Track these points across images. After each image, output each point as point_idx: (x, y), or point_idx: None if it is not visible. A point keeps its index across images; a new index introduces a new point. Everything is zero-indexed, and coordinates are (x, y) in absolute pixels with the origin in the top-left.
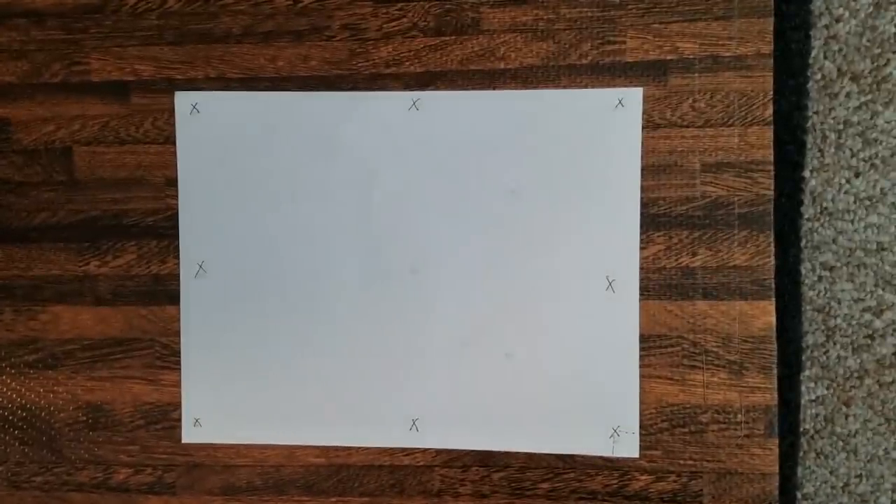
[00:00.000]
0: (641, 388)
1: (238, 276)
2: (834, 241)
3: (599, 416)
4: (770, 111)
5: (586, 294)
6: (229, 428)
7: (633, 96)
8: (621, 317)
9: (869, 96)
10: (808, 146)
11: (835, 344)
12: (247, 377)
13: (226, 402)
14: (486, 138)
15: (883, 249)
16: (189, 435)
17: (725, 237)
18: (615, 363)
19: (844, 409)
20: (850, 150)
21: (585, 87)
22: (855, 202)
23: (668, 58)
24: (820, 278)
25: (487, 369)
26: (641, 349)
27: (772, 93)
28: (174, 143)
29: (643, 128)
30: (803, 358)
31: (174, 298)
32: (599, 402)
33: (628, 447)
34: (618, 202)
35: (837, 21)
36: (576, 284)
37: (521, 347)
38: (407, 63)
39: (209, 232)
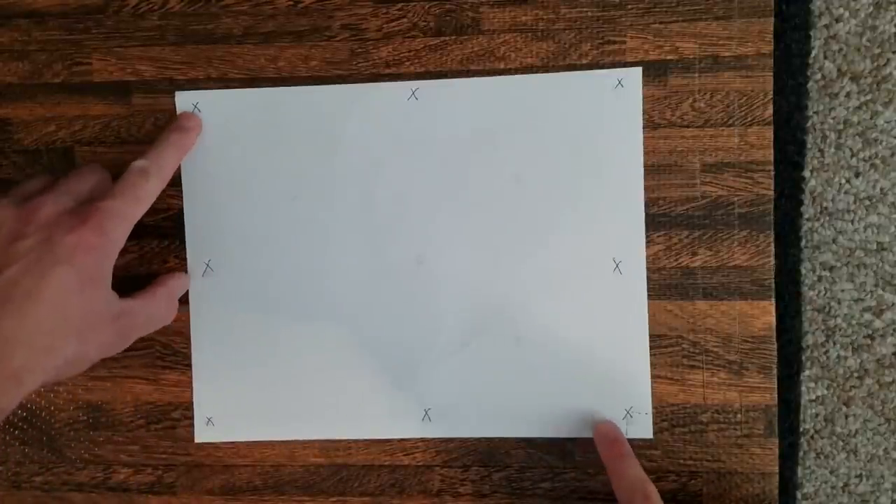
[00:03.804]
0: None
1: (245, 273)
2: (834, 241)
3: (612, 398)
4: (770, 111)
5: (593, 276)
6: (241, 426)
7: (633, 76)
8: (629, 297)
9: (869, 96)
10: (808, 146)
11: (835, 344)
12: (257, 374)
13: (237, 400)
14: (486, 125)
15: (883, 249)
16: (202, 434)
17: (725, 237)
18: (625, 344)
19: (844, 409)
20: (850, 150)
21: None
22: (855, 202)
23: (668, 58)
24: (820, 278)
25: (498, 355)
26: None
27: (772, 93)
28: None
29: (643, 127)
30: (803, 358)
31: None
32: (611, 385)
33: (642, 428)
34: (621, 183)
35: (837, 21)
36: (582, 267)
37: (530, 333)
38: (407, 63)
39: (214, 230)
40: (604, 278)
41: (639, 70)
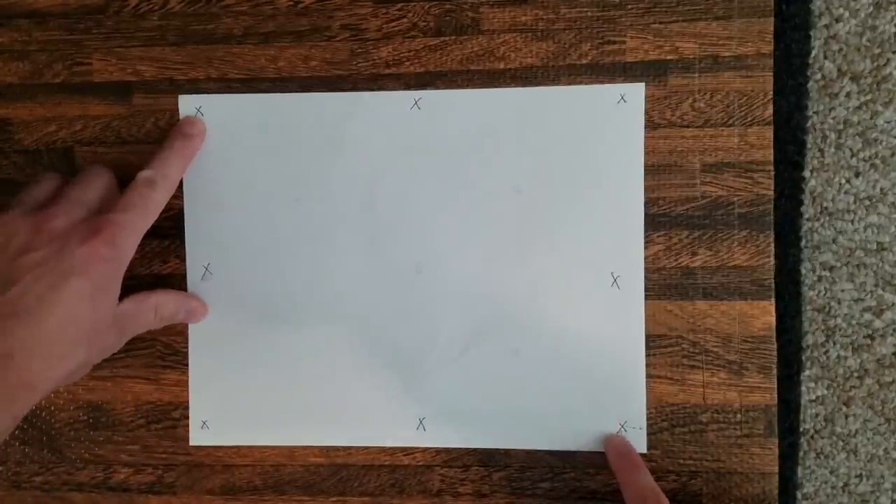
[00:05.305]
0: None
1: (243, 278)
2: (834, 241)
3: (607, 412)
4: (770, 111)
5: (591, 290)
6: (236, 430)
7: (636, 92)
8: (626, 312)
9: (869, 96)
10: (808, 146)
11: (835, 344)
12: (254, 379)
13: (233, 404)
14: (488, 136)
15: (883, 249)
16: (197, 438)
17: (725, 237)
18: (621, 359)
19: (844, 409)
20: (850, 150)
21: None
22: (855, 202)
23: (668, 58)
24: (820, 278)
25: (494, 367)
26: None
27: (772, 93)
28: None
29: (643, 127)
30: (803, 358)
31: None
32: (607, 398)
33: (636, 442)
34: (621, 198)
35: (837, 21)
36: (581, 280)
37: (528, 344)
38: (407, 63)
39: (214, 234)
40: (602, 292)
41: (641, 86)
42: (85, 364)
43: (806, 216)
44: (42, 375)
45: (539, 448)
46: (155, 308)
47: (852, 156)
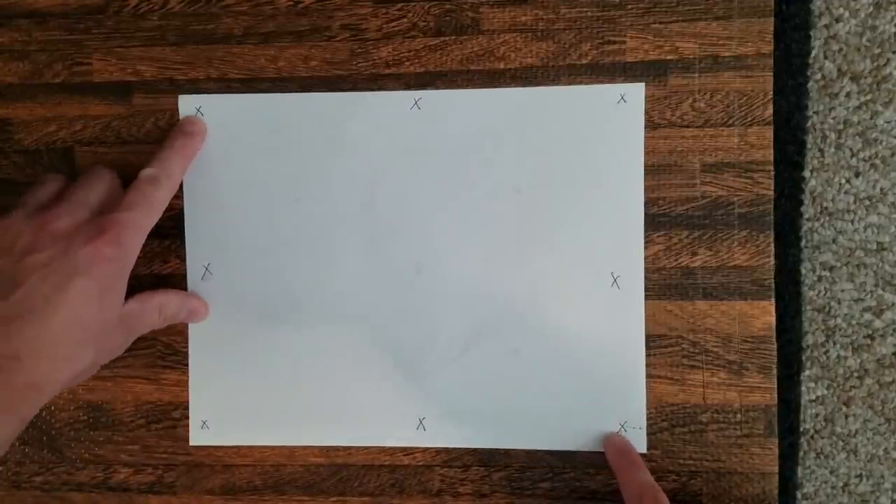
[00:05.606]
0: None
1: (243, 277)
2: (834, 241)
3: (607, 412)
4: (770, 111)
5: (591, 290)
6: (236, 430)
7: (636, 91)
8: (626, 312)
9: (869, 96)
10: (808, 146)
11: (835, 344)
12: (254, 379)
13: (233, 404)
14: (488, 136)
15: (883, 249)
16: (197, 438)
17: (725, 237)
18: (621, 359)
19: (844, 409)
20: (850, 150)
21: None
22: (855, 202)
23: (668, 58)
24: (820, 278)
25: (494, 367)
26: None
27: (772, 93)
28: None
29: (643, 128)
30: (803, 358)
31: None
32: (607, 398)
33: (636, 442)
34: (621, 198)
35: (837, 21)
36: (581, 280)
37: (528, 344)
38: (407, 63)
39: (214, 234)
40: (602, 292)
41: (641, 86)
42: (92, 365)
43: (806, 216)
44: (49, 377)
45: (539, 448)
46: (159, 308)
47: (852, 156)
